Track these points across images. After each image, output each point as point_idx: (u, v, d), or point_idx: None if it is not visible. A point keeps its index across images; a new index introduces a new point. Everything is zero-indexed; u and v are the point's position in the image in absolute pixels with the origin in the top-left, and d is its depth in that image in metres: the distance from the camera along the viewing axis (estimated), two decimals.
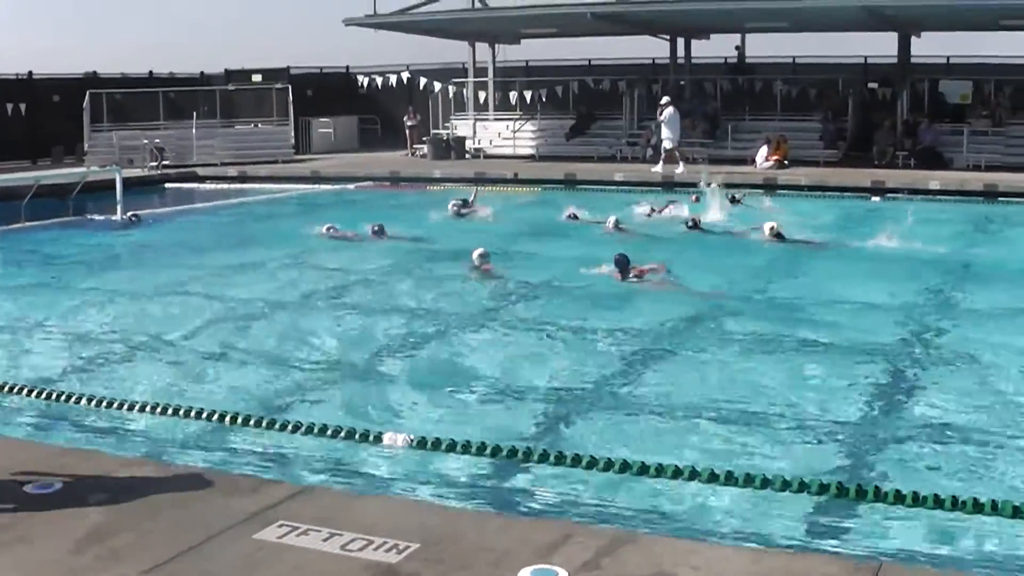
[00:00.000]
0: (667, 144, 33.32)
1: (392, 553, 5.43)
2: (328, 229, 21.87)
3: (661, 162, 33.38)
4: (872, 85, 39.28)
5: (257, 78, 44.22)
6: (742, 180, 30.14)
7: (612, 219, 22.56)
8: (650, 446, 9.25)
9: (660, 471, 8.03)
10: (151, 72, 45.13)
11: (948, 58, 38.95)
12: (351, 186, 33.45)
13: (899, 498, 7.57)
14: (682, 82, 40.96)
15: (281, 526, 5.77)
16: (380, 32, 40.59)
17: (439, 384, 11.48)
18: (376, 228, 21.63)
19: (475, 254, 18.11)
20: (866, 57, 39.94)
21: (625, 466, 8.12)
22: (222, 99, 42.18)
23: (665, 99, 34.41)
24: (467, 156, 39.59)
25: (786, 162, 33.14)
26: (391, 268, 18.94)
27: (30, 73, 41.54)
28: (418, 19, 38.81)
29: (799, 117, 37.16)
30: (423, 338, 13.84)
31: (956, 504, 7.42)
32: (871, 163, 33.12)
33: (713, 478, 7.93)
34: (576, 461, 8.31)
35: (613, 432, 9.88)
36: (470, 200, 24.79)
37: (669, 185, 30.26)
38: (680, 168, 32.48)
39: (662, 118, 33.60)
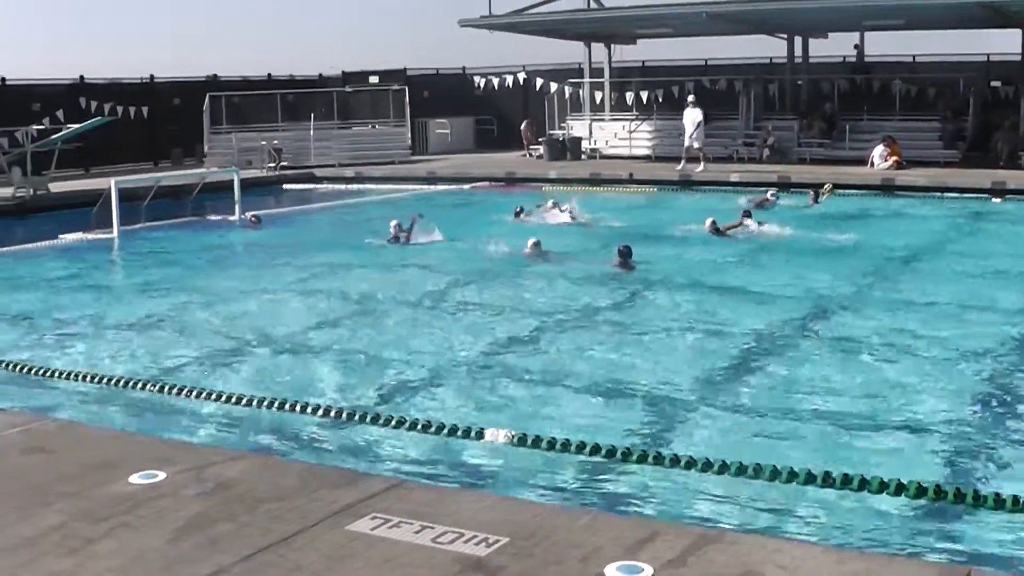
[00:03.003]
0: (690, 143, 34.13)
1: (481, 546, 5.49)
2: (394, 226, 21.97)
3: (684, 161, 33.98)
4: (994, 83, 38.61)
5: (374, 79, 44.71)
6: (860, 181, 29.93)
7: (709, 221, 22.64)
8: (757, 447, 9.26)
9: (758, 472, 8.02)
10: (270, 75, 45.75)
11: None
12: (467, 186, 33.66)
13: (998, 502, 7.51)
14: (799, 82, 40.63)
15: (374, 518, 5.86)
16: (495, 33, 40.76)
17: (546, 382, 11.59)
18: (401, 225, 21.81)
19: (529, 243, 19.64)
20: (988, 55, 39.19)
21: (724, 467, 8.13)
22: (339, 101, 42.67)
23: (691, 98, 35.30)
24: (583, 157, 39.61)
25: (903, 162, 32.72)
26: (494, 269, 19.06)
27: (151, 77, 42.32)
28: (533, 20, 38.88)
29: (918, 117, 36.61)
30: (539, 335, 13.96)
31: None
32: (992, 163, 32.55)
33: (810, 479, 7.91)
34: (675, 462, 8.33)
35: (712, 433, 9.89)
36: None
37: (786, 185, 29.98)
38: (700, 167, 33.53)
39: (686, 120, 34.44)
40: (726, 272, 18.63)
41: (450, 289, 17.30)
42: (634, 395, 11.20)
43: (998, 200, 27.80)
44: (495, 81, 46.81)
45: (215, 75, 44.03)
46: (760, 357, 12.74)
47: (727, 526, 7.40)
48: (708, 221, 22.47)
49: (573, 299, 16.48)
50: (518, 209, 25.17)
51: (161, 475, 6.59)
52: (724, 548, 5.54)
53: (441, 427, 9.24)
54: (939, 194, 28.79)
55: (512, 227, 23.82)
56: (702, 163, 33.90)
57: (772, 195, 27.20)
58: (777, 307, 15.47)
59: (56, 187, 29.98)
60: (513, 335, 14.04)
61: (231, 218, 25.70)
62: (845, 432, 9.84)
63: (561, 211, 25.20)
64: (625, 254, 18.52)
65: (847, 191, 28.30)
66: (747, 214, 23.27)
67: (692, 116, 34.32)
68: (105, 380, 11.26)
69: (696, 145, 34.14)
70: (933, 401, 10.73)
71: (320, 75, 47.09)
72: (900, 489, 7.71)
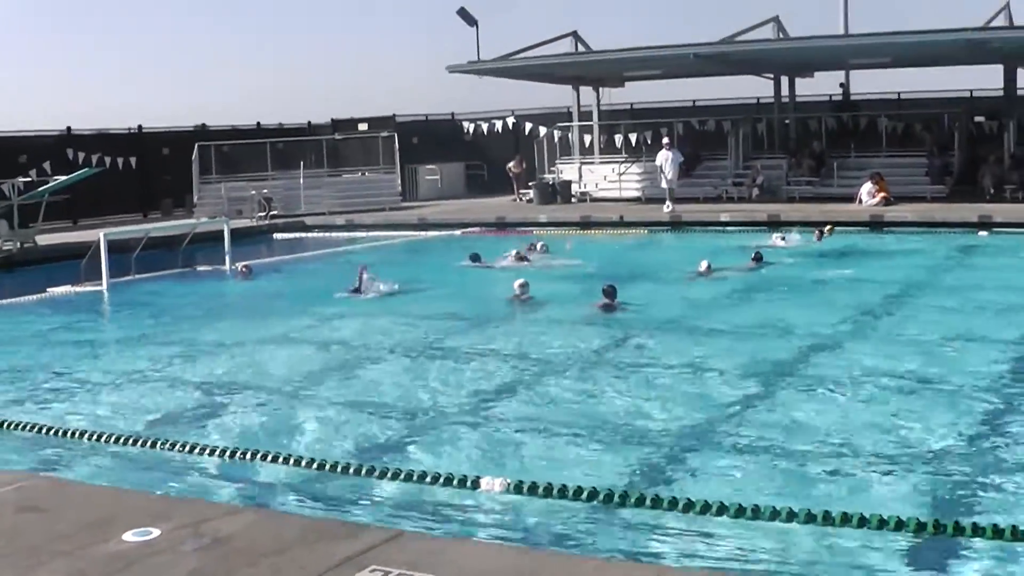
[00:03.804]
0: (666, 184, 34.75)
1: None
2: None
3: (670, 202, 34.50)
4: (978, 119, 38.80)
5: (363, 127, 44.85)
6: (848, 218, 30.02)
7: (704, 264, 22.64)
8: (748, 487, 9.21)
9: (759, 513, 7.97)
10: (259, 123, 45.84)
11: None
12: (458, 232, 33.67)
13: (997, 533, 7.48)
14: (787, 121, 40.78)
15: (373, 571, 5.80)
16: (484, 78, 40.88)
17: (535, 428, 11.53)
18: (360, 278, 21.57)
19: (516, 284, 19.55)
20: (971, 90, 39.46)
21: (721, 508, 8.08)
22: (329, 148, 42.84)
23: (665, 140, 35.96)
24: (573, 200, 39.67)
25: (891, 199, 32.80)
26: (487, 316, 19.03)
27: (140, 127, 42.39)
28: (521, 64, 39.03)
29: (905, 153, 36.79)
30: (524, 380, 13.90)
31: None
32: (978, 198, 32.66)
33: (811, 518, 7.87)
34: (672, 504, 8.28)
35: (704, 472, 9.85)
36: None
37: (776, 224, 30.03)
38: (668, 207, 34.01)
39: (659, 162, 35.32)
40: (716, 312, 18.64)
41: (430, 338, 17.18)
42: (627, 438, 11.12)
43: (985, 233, 27.89)
44: (484, 126, 47.05)
45: (204, 124, 44.15)
46: (753, 396, 12.70)
47: (730, 567, 7.33)
48: (703, 264, 22.50)
49: (558, 341, 16.45)
50: (474, 256, 25.29)
51: (156, 532, 6.53)
52: None
53: (437, 477, 9.18)
54: (927, 229, 28.87)
55: (480, 273, 24.21)
56: (670, 202, 34.33)
57: (781, 237, 27.15)
58: (770, 345, 15.46)
59: (44, 239, 29.95)
60: (497, 380, 13.96)
61: (222, 268, 25.65)
62: (839, 470, 9.79)
63: (520, 257, 25.27)
64: (610, 294, 18.50)
65: (837, 228, 28.30)
66: (758, 257, 23.42)
67: (665, 156, 34.90)
68: (96, 436, 11.14)
69: (671, 185, 34.64)
70: (926, 436, 10.68)
71: (309, 123, 47.24)
72: (900, 526, 7.68)
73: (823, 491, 9.15)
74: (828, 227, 27.72)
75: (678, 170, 35.11)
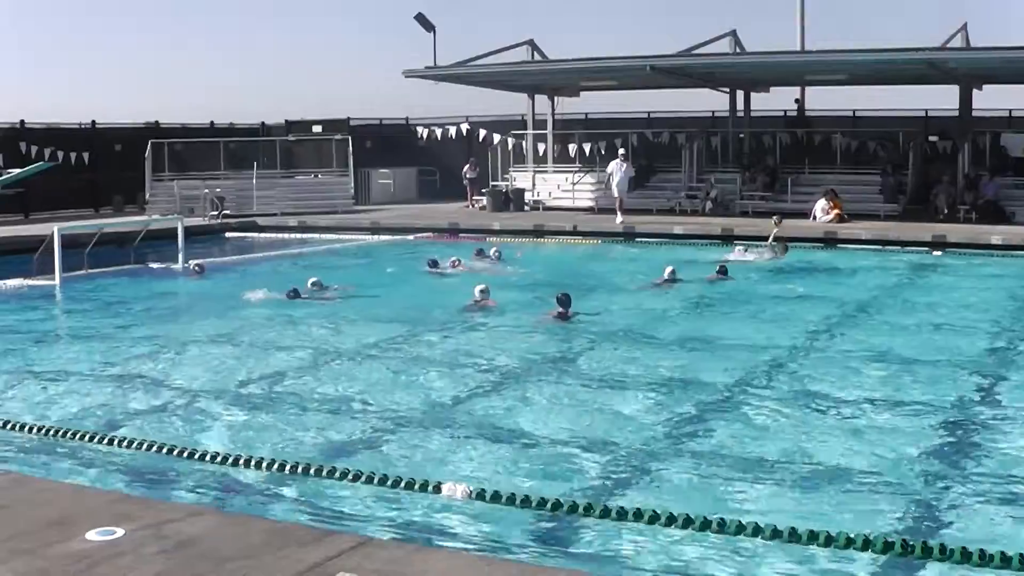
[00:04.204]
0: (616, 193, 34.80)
1: None
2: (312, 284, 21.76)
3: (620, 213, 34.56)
4: (932, 138, 39.06)
5: (317, 129, 44.66)
6: (802, 234, 30.12)
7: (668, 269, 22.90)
8: (708, 500, 9.19)
9: (724, 527, 7.93)
10: (212, 122, 45.53)
11: (1011, 111, 38.73)
12: (410, 237, 33.56)
13: (965, 556, 7.46)
14: (741, 135, 40.92)
15: None
16: (440, 84, 40.81)
17: (492, 436, 11.47)
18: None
19: (477, 290, 19.58)
20: (927, 110, 39.70)
21: (688, 521, 8.03)
22: (282, 149, 42.65)
23: (621, 152, 36.12)
24: (526, 208, 39.66)
25: (844, 216, 32.95)
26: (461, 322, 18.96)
27: (93, 123, 42.05)
28: (477, 71, 38.97)
29: (859, 171, 37.01)
30: (479, 388, 13.83)
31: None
32: (931, 217, 32.87)
33: (791, 535, 7.83)
34: (638, 516, 8.22)
35: (671, 485, 9.82)
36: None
37: (729, 238, 30.10)
38: (619, 218, 34.07)
39: (609, 171, 35.42)
40: (672, 323, 18.67)
41: (380, 342, 17.06)
42: (588, 447, 11.07)
43: (939, 253, 28.04)
44: (438, 132, 46.99)
45: (157, 122, 43.82)
46: (708, 409, 12.69)
47: None
48: (668, 269, 22.72)
49: (511, 349, 16.40)
50: (432, 261, 25.28)
51: (120, 532, 6.43)
52: None
53: (398, 481, 9.07)
54: (881, 247, 29.02)
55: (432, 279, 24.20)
56: (620, 214, 34.37)
57: (743, 250, 27.24)
58: (724, 358, 15.46)
59: None
60: (452, 387, 13.86)
61: (174, 266, 25.46)
62: (792, 484, 9.79)
63: (483, 258, 25.89)
64: (564, 303, 18.46)
65: (790, 244, 28.39)
66: (722, 270, 23.56)
67: (618, 166, 35.02)
68: (47, 431, 10.99)
69: (620, 196, 34.70)
70: (881, 454, 10.70)
71: (263, 123, 46.99)
72: (867, 545, 7.65)
73: (782, 506, 9.14)
74: (776, 218, 27.86)
75: (627, 184, 35.07)
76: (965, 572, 7.50)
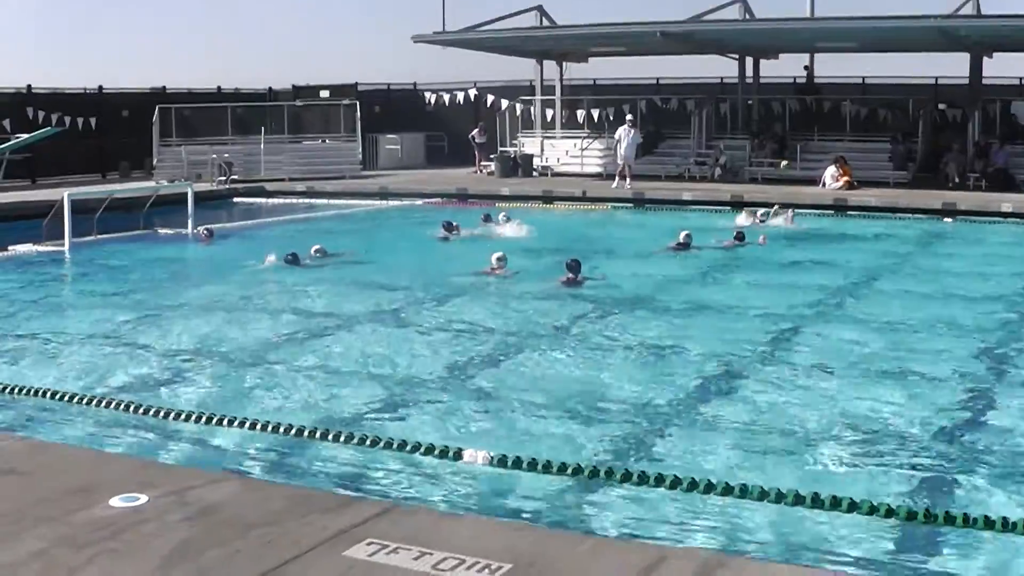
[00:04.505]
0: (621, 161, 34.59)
1: (485, 573, 5.34)
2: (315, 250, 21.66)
3: (618, 178, 34.51)
4: (942, 106, 38.90)
5: (325, 94, 44.42)
6: (812, 201, 30.05)
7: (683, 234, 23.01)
8: (730, 465, 9.17)
9: (744, 492, 7.91)
10: (219, 87, 45.34)
11: (1021, 79, 38.51)
12: (419, 202, 33.48)
13: (988, 524, 7.44)
14: (750, 102, 40.76)
15: (370, 544, 5.68)
16: (448, 49, 40.64)
17: (508, 402, 11.45)
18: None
19: (494, 257, 19.56)
20: (936, 78, 39.47)
21: (710, 487, 8.01)
22: (290, 115, 42.45)
23: (628, 117, 36.26)
24: (534, 174, 39.54)
25: (854, 183, 32.83)
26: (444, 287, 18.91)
27: (100, 88, 41.89)
28: (486, 36, 38.80)
29: (868, 138, 36.82)
30: (492, 354, 13.81)
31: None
32: (941, 185, 32.76)
33: (799, 500, 7.80)
34: (659, 481, 8.20)
35: (688, 450, 9.80)
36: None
37: (738, 204, 30.00)
38: (615, 184, 34.25)
39: (617, 137, 35.12)
40: (685, 289, 18.66)
41: (392, 307, 17.08)
42: (603, 413, 11.05)
43: (949, 220, 27.98)
44: (446, 97, 46.84)
45: (164, 87, 43.65)
46: (720, 375, 12.67)
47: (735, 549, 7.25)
48: (682, 234, 22.79)
49: (521, 315, 16.43)
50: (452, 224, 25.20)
51: (143, 498, 6.38)
52: (732, 573, 5.42)
53: (417, 446, 9.05)
54: (891, 214, 28.94)
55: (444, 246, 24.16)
56: (629, 180, 34.19)
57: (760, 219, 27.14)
58: (736, 323, 15.46)
59: (3, 198, 29.57)
60: (466, 354, 13.87)
61: (184, 232, 25.38)
62: (809, 450, 9.77)
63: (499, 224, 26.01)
64: (574, 268, 18.41)
65: (800, 211, 28.30)
66: (740, 236, 23.58)
67: (626, 132, 34.80)
68: (60, 396, 10.95)
69: (627, 162, 34.56)
70: (892, 418, 10.70)
71: (270, 89, 46.79)
72: (890, 513, 7.63)
73: (800, 472, 9.10)
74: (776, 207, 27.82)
75: (635, 151, 34.93)
76: (989, 538, 7.48)
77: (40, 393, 11.12)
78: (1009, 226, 27.08)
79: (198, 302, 17.50)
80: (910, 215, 28.68)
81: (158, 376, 12.70)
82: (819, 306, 17.02)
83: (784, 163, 27.56)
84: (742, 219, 26.70)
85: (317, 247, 21.48)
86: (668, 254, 22.10)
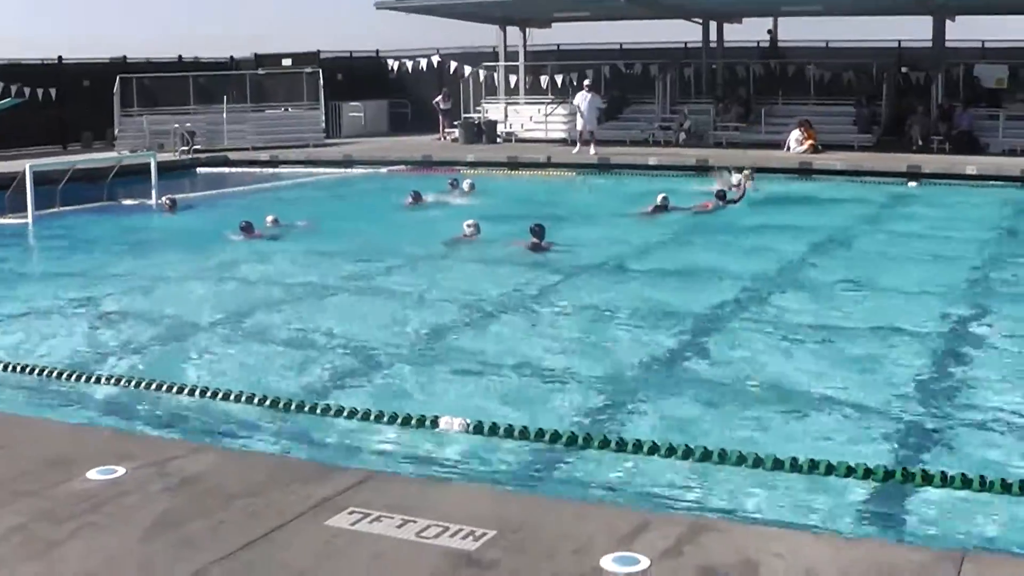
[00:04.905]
0: (581, 126, 34.61)
1: (469, 540, 5.32)
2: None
3: (579, 144, 34.45)
4: (905, 69, 39.00)
5: (287, 62, 44.20)
6: (777, 164, 30.10)
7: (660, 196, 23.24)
8: (699, 430, 9.20)
9: (725, 457, 7.91)
10: (180, 56, 45.00)
11: (983, 42, 38.58)
12: (383, 170, 33.36)
13: (965, 482, 7.47)
14: (714, 66, 40.75)
15: (352, 512, 5.66)
16: (411, 15, 40.46)
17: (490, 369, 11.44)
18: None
19: (466, 224, 19.45)
20: (900, 41, 39.54)
21: (688, 452, 8.01)
22: (252, 83, 42.21)
23: (586, 82, 36.14)
24: (498, 140, 39.47)
25: (818, 146, 32.90)
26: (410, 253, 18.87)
27: (59, 58, 41.49)
28: (449, 2, 38.63)
29: (832, 101, 36.89)
30: (459, 321, 13.80)
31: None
32: (905, 148, 32.84)
33: (778, 465, 7.82)
34: (637, 447, 8.20)
35: (657, 415, 9.82)
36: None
37: (703, 168, 30.01)
38: (575, 150, 34.34)
39: (576, 103, 35.01)
40: (653, 255, 18.66)
41: (356, 275, 17.08)
42: (579, 380, 11.04)
43: (914, 183, 28.07)
44: (409, 64, 46.68)
45: (124, 57, 43.28)
46: (692, 339, 12.71)
47: (709, 514, 7.25)
48: (660, 196, 22.99)
49: (489, 280, 16.41)
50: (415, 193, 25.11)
51: (121, 470, 6.34)
52: (719, 537, 5.44)
53: (394, 416, 9.01)
54: (856, 177, 29.02)
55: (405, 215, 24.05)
56: (593, 147, 34.07)
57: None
58: (703, 289, 15.49)
59: None
60: (436, 320, 13.85)
61: (148, 202, 25.20)
62: (784, 414, 9.80)
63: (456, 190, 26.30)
64: (538, 233, 18.38)
65: (765, 175, 28.37)
66: (721, 195, 23.75)
67: (585, 99, 34.60)
68: (24, 369, 10.85)
69: (588, 128, 34.39)
70: (860, 382, 10.76)
71: (232, 57, 46.47)
72: (867, 474, 7.65)
73: (771, 436, 9.12)
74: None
75: (596, 115, 34.85)
76: (966, 497, 7.51)
77: (6, 367, 11.02)
78: (974, 188, 27.18)
79: (164, 273, 17.38)
80: (875, 178, 28.74)
81: (127, 347, 12.63)
82: (785, 269, 17.07)
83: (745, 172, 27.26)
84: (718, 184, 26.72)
85: (271, 217, 21.30)
86: (644, 219, 22.11)
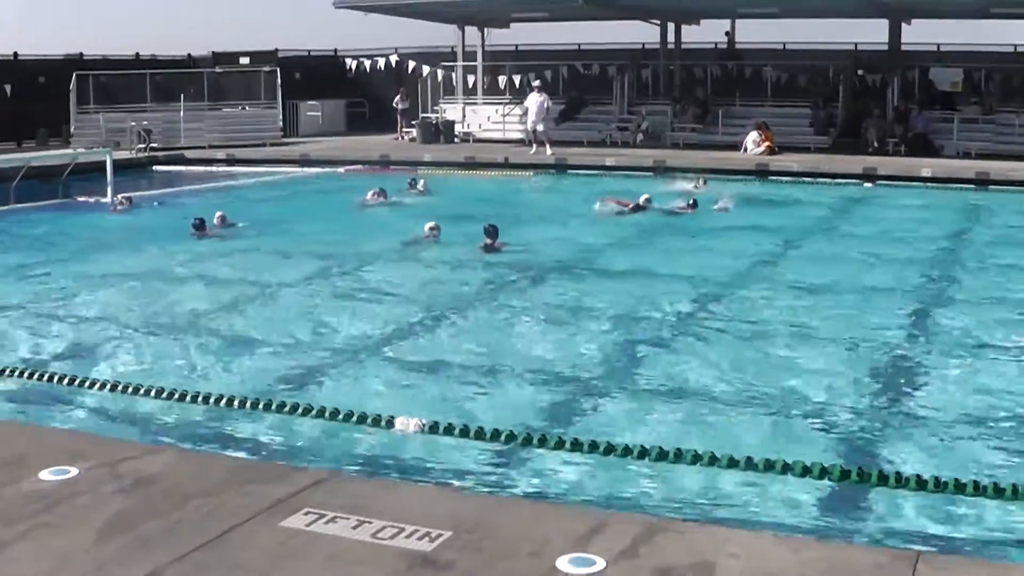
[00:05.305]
0: (533, 127, 34.53)
1: (425, 541, 5.30)
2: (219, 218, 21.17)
3: (535, 145, 34.29)
4: (861, 72, 39.21)
5: (245, 61, 44.00)
6: (734, 166, 30.22)
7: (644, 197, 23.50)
8: (655, 431, 9.21)
9: (680, 457, 7.93)
10: (137, 54, 44.76)
11: (939, 45, 38.86)
12: (341, 169, 33.27)
13: (920, 483, 7.51)
14: (672, 67, 40.86)
15: (308, 513, 5.64)
16: (369, 15, 40.37)
17: (448, 369, 11.43)
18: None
19: (427, 227, 19.36)
20: (856, 44, 39.84)
21: (643, 452, 8.02)
22: (210, 82, 41.98)
23: (536, 83, 36.08)
24: (456, 140, 39.44)
25: (775, 148, 33.05)
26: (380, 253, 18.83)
27: (15, 54, 41.18)
28: (408, 2, 38.55)
29: (789, 103, 37.08)
30: (415, 322, 13.77)
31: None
32: (861, 150, 33.04)
33: (733, 463, 7.84)
34: (593, 447, 8.21)
35: (611, 414, 9.84)
36: None
37: (661, 170, 30.10)
38: (532, 150, 34.09)
39: (526, 106, 35.13)
40: (605, 255, 18.72)
41: (310, 276, 16.94)
42: (534, 380, 11.04)
43: (870, 185, 28.25)
44: (367, 63, 46.53)
45: (80, 54, 42.98)
46: (642, 339, 12.74)
47: (671, 514, 7.26)
48: (643, 197, 23.23)
49: (444, 281, 16.50)
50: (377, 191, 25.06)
51: (74, 471, 6.28)
52: (675, 538, 5.44)
53: (349, 415, 8.98)
54: (812, 179, 29.17)
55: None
56: (548, 147, 33.93)
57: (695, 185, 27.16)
58: (656, 289, 15.51)
59: None
60: (391, 321, 13.80)
61: (103, 200, 25.04)
62: (740, 414, 9.84)
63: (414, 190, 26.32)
64: (491, 233, 18.38)
65: (722, 176, 28.52)
66: (693, 204, 23.63)
67: (535, 100, 34.52)
68: None
69: (540, 128, 34.30)
70: (813, 383, 10.79)
71: (189, 55, 46.26)
72: (824, 473, 7.69)
73: (726, 436, 9.14)
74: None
75: (543, 115, 34.71)
76: (921, 498, 7.56)
77: None
78: (928, 190, 27.38)
79: (118, 271, 17.22)
80: (831, 180, 28.90)
81: (79, 346, 12.54)
82: (742, 271, 17.12)
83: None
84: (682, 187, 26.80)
85: (219, 214, 21.19)
86: (610, 217, 22.26)
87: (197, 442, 8.92)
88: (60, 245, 19.96)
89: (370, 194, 24.68)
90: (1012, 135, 32.61)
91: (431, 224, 19.48)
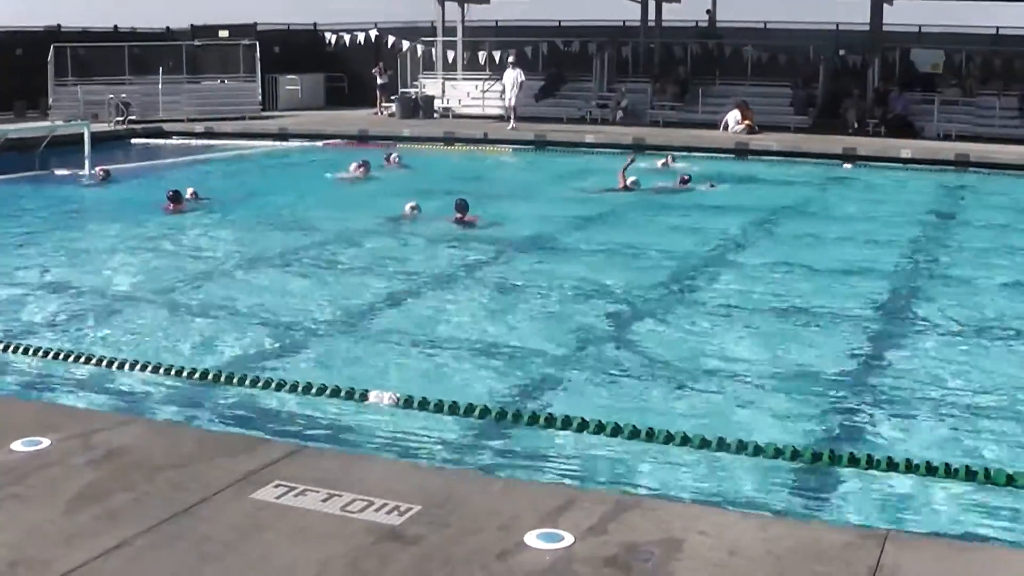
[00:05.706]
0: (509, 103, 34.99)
1: (394, 515, 5.32)
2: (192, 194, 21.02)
3: (513, 121, 34.69)
4: (842, 52, 39.21)
5: (224, 34, 43.72)
6: (714, 145, 30.24)
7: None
8: (633, 409, 9.22)
9: (653, 436, 7.94)
10: (116, 26, 44.48)
11: (920, 27, 38.84)
12: (319, 143, 33.18)
13: (891, 465, 7.54)
14: (652, 45, 40.81)
15: (278, 486, 5.65)
16: None
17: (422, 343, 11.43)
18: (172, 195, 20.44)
19: (408, 206, 19.34)
20: (837, 24, 39.73)
21: (617, 429, 8.04)
22: (188, 55, 41.69)
23: (511, 59, 36.42)
24: (435, 115, 39.37)
25: (755, 127, 33.04)
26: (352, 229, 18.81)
27: None
28: None
29: (769, 83, 37.03)
30: (392, 297, 13.77)
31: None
32: (841, 130, 33.06)
33: (705, 444, 7.86)
34: (566, 424, 8.22)
35: (594, 394, 9.84)
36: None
37: (640, 147, 30.09)
38: (510, 125, 34.42)
39: (504, 83, 35.59)
40: (581, 231, 18.71)
41: (283, 251, 16.89)
42: (511, 356, 11.06)
43: (849, 166, 28.29)
44: (346, 38, 46.32)
45: (58, 25, 42.72)
46: (619, 316, 12.78)
47: (641, 492, 7.29)
48: (630, 180, 23.01)
49: (421, 257, 16.50)
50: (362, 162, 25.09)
51: (46, 442, 6.28)
52: (643, 514, 5.46)
53: (323, 388, 8.98)
54: (792, 159, 29.20)
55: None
56: (514, 120, 34.37)
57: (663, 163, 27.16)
58: (631, 266, 15.59)
59: None
60: (367, 296, 13.82)
61: (81, 173, 24.93)
62: (713, 394, 9.87)
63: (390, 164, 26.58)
64: (462, 208, 18.40)
65: (702, 154, 28.57)
66: (685, 180, 23.79)
67: (510, 75, 34.83)
68: None
69: (512, 103, 34.60)
70: (790, 362, 10.89)
71: (168, 28, 46.00)
72: (795, 455, 7.72)
73: (698, 416, 9.18)
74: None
75: (517, 89, 34.88)
76: (895, 480, 7.59)
77: None
78: (908, 171, 27.44)
79: (94, 244, 17.23)
80: (811, 160, 28.94)
81: (53, 318, 12.52)
82: (720, 250, 17.14)
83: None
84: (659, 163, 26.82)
85: (191, 190, 21.07)
86: (594, 195, 22.33)
87: (169, 414, 8.92)
88: (37, 217, 19.88)
89: (353, 166, 24.64)
90: (992, 117, 32.63)
91: (412, 203, 19.45)
